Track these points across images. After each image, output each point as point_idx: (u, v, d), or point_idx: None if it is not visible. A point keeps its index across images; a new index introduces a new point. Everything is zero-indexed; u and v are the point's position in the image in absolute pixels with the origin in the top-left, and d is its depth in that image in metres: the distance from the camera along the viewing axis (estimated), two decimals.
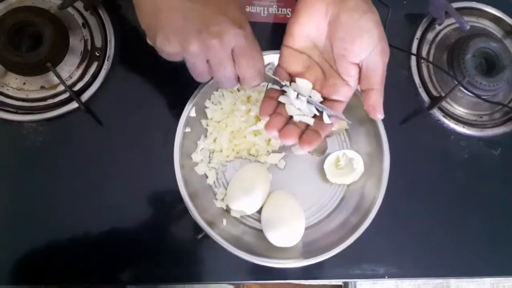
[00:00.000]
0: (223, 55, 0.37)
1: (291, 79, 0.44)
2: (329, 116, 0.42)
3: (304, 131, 0.42)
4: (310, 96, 0.43)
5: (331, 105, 0.43)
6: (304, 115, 0.42)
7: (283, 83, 0.42)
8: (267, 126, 0.41)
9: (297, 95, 0.42)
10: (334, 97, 0.43)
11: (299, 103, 0.42)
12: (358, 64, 0.41)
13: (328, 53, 0.42)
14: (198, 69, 0.38)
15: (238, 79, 0.40)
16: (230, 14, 0.36)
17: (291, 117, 0.42)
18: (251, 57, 0.38)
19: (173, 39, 0.35)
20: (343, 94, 0.43)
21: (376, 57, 0.40)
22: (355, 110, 0.51)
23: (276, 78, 0.42)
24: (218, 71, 0.38)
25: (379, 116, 0.42)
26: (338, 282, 0.62)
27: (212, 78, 0.40)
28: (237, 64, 0.38)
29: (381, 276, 0.56)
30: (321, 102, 0.43)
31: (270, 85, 0.43)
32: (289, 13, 0.63)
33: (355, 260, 0.56)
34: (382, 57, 0.40)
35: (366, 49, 0.40)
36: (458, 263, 0.58)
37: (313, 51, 0.43)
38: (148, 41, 0.38)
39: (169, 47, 0.36)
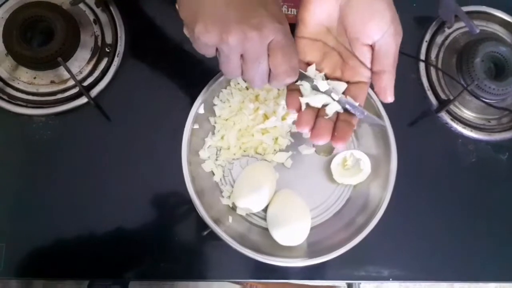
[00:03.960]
0: (260, 48, 0.36)
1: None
2: (363, 116, 0.42)
3: (336, 122, 0.41)
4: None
5: (356, 88, 0.42)
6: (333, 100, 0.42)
7: (314, 79, 0.42)
8: (298, 123, 0.41)
9: (329, 92, 0.42)
10: (357, 79, 0.43)
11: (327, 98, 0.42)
12: (371, 46, 0.41)
13: (342, 36, 0.42)
14: (231, 63, 0.37)
15: (269, 77, 0.39)
16: (270, 8, 0.36)
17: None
18: (287, 53, 0.37)
19: (213, 28, 0.35)
20: (365, 75, 0.42)
21: (389, 38, 0.40)
22: None
23: (308, 74, 0.42)
24: (252, 66, 0.37)
25: (389, 99, 0.42)
26: (342, 283, 0.61)
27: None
28: (272, 58, 0.37)
29: (386, 278, 0.56)
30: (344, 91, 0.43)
31: (299, 82, 0.42)
32: None
33: (359, 262, 0.56)
34: (396, 38, 0.40)
35: (379, 31, 0.39)
36: (464, 267, 0.58)
37: (328, 37, 0.43)
38: (185, 32, 0.38)
39: (207, 37, 0.35)
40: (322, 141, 0.40)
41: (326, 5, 0.41)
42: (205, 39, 0.35)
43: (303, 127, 0.41)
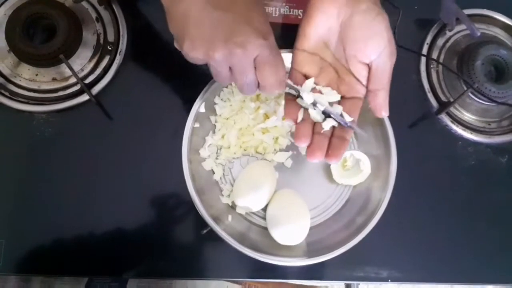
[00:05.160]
0: (246, 63, 0.38)
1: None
2: (348, 126, 0.43)
3: (330, 138, 0.43)
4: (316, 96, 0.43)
5: (351, 103, 0.44)
6: (330, 115, 0.43)
7: (299, 88, 0.43)
8: (296, 137, 0.43)
9: (315, 103, 0.43)
10: (352, 95, 0.44)
11: (315, 111, 0.43)
12: (368, 64, 0.42)
13: (340, 53, 0.43)
14: (220, 75, 0.39)
15: (259, 86, 0.41)
16: (255, 24, 0.37)
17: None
18: (273, 66, 0.39)
19: (199, 46, 0.36)
20: (360, 91, 0.44)
21: (386, 58, 0.41)
22: (363, 112, 0.51)
23: (295, 86, 0.43)
24: (240, 78, 0.39)
25: (384, 114, 0.43)
26: (341, 283, 0.61)
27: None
28: (259, 72, 0.39)
29: (384, 280, 0.56)
30: (339, 102, 0.44)
31: (287, 90, 0.43)
32: (300, 14, 0.63)
33: (358, 262, 0.56)
34: (391, 58, 0.42)
35: (376, 50, 0.41)
36: (462, 269, 0.58)
37: (325, 52, 0.44)
38: (175, 45, 0.39)
39: (195, 54, 0.37)
40: (317, 159, 0.42)
41: (328, 21, 0.42)
42: (193, 56, 0.37)
43: (302, 141, 0.42)
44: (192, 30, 0.36)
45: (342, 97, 0.44)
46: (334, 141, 0.43)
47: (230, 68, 0.39)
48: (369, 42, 0.41)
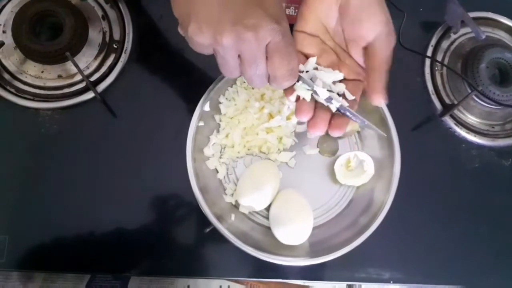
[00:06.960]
0: (257, 50, 0.34)
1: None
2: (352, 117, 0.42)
3: (332, 114, 0.41)
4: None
5: (353, 85, 0.43)
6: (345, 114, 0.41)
7: (314, 85, 0.41)
8: (297, 111, 0.41)
9: (330, 98, 0.41)
10: (354, 77, 0.43)
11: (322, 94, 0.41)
12: (367, 48, 0.42)
13: (339, 37, 0.43)
14: (228, 64, 0.36)
15: (269, 78, 0.38)
16: (268, 7, 0.34)
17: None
18: (285, 55, 0.36)
19: (206, 29, 0.33)
20: (361, 73, 0.43)
21: (382, 40, 0.41)
22: (367, 113, 0.51)
23: (309, 80, 0.41)
24: (250, 68, 0.36)
25: (381, 100, 0.41)
26: (343, 284, 0.61)
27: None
28: (269, 61, 0.35)
29: (386, 281, 0.56)
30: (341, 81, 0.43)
31: (299, 84, 0.40)
32: None
33: (361, 263, 0.56)
34: (389, 40, 0.41)
35: (373, 32, 0.40)
36: (464, 272, 0.58)
37: (325, 35, 0.44)
38: (179, 31, 0.37)
39: (201, 38, 0.34)
40: (319, 131, 0.40)
41: (326, 5, 0.42)
42: (198, 40, 0.34)
43: (302, 115, 0.40)
44: (199, 11, 0.33)
45: (344, 79, 0.43)
46: (338, 115, 0.41)
47: (239, 56, 0.35)
48: (365, 24, 0.40)
